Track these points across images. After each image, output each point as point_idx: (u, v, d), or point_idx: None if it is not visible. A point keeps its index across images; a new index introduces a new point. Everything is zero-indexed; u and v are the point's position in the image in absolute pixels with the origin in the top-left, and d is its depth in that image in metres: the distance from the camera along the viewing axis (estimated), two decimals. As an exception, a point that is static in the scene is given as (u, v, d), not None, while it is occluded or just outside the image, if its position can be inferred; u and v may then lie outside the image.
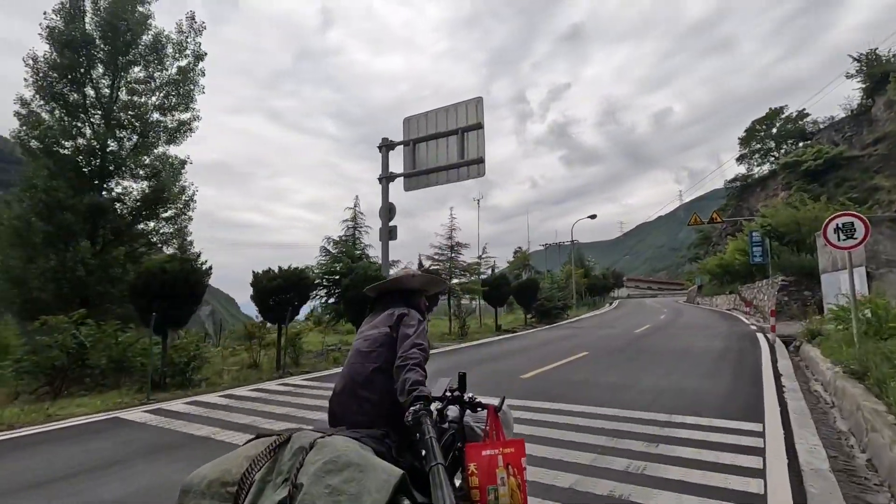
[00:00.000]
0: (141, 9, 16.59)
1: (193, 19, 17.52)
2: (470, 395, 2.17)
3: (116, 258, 14.30)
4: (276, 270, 11.81)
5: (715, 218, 28.10)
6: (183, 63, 17.25)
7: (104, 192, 14.70)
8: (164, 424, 6.23)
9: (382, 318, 2.09)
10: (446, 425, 2.12)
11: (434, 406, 2.04)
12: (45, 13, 14.54)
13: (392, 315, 2.06)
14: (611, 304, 49.16)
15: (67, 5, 14.85)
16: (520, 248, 59.40)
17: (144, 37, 16.31)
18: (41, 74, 14.76)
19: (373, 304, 2.29)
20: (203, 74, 17.99)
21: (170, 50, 16.94)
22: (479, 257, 24.80)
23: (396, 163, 16.97)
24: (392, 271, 18.47)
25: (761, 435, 4.97)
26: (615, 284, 63.67)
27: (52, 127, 14.78)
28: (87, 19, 15.36)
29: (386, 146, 16.75)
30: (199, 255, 9.85)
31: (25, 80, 14.76)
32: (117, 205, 14.93)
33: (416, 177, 16.30)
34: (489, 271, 24.52)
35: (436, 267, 21.82)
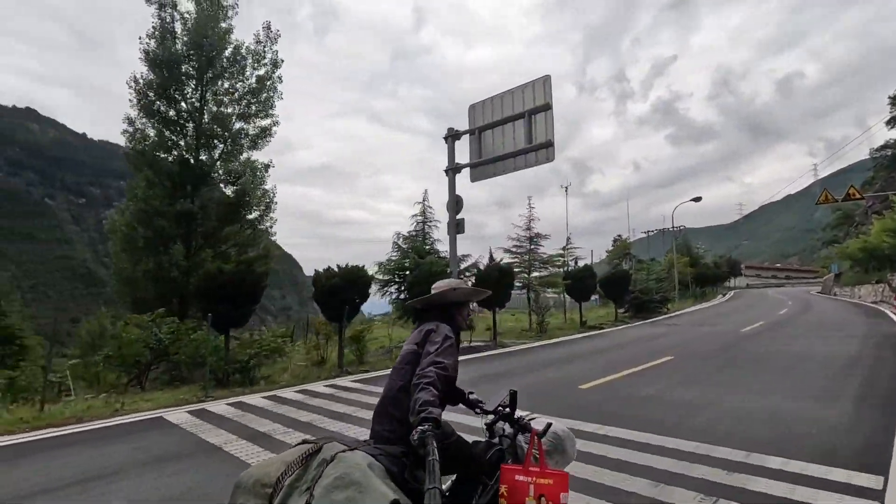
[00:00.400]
0: (223, 24, 17.71)
1: (269, 29, 18.37)
2: (521, 414, 2.18)
3: (205, 260, 15.43)
4: (336, 268, 11.83)
5: (853, 194, 23.35)
6: (261, 72, 18.17)
7: (194, 199, 15.92)
8: (192, 428, 6.28)
9: (414, 335, 2.15)
10: (497, 440, 2.19)
11: (486, 420, 2.27)
12: (140, 38, 16.06)
13: (421, 331, 2.12)
14: (724, 295, 43.98)
15: (159, 28, 16.23)
16: (619, 236, 55.74)
17: (226, 51, 17.36)
18: (141, 94, 16.34)
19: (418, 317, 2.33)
20: (280, 81, 18.80)
21: (249, 60, 17.92)
22: (564, 248, 23.34)
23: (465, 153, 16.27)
24: (463, 265, 17.92)
25: (879, 497, 3.58)
26: (730, 273, 57.06)
27: (153, 141, 16.34)
28: (176, 39, 16.70)
29: (451, 136, 16.11)
30: (254, 260, 10.23)
31: (130, 100, 16.46)
32: (205, 210, 16.07)
33: (482, 166, 15.49)
34: (573, 263, 22.93)
35: (513, 260, 20.84)
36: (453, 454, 2.02)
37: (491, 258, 16.50)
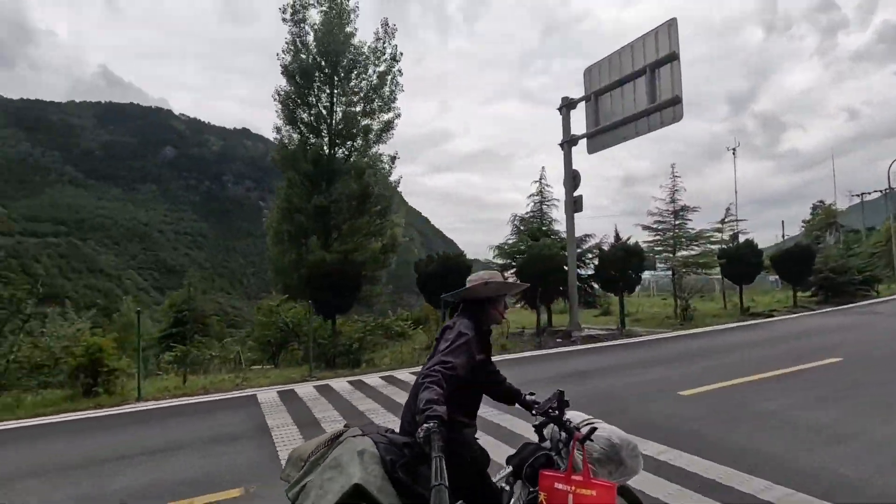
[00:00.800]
0: (348, 29, 18.91)
1: (387, 25, 19.09)
2: (569, 417, 2.12)
3: (336, 250, 16.90)
4: (436, 256, 11.84)
5: None
6: (382, 68, 19.01)
7: (328, 195, 17.50)
8: (268, 408, 6.83)
9: (441, 329, 2.18)
10: (547, 444, 2.14)
11: (535, 422, 2.26)
12: (277, 54, 18.06)
13: (444, 328, 2.16)
14: (985, 273, 32.64)
15: (291, 43, 18.04)
16: (821, 202, 45.72)
17: (350, 54, 18.52)
18: (284, 104, 18.43)
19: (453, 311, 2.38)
20: (401, 73, 19.46)
21: (371, 58, 18.88)
22: (722, 221, 19.80)
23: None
24: (585, 246, 16.37)
25: None
26: None
27: (294, 145, 18.36)
28: (309, 50, 18.36)
29: (566, 106, 14.80)
30: (354, 249, 10.80)
31: (276, 111, 18.72)
32: (337, 203, 17.55)
33: (600, 135, 13.91)
34: (734, 238, 19.31)
35: (654, 238, 18.44)
36: (462, 471, 1.92)
37: (617, 237, 14.72)
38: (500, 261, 16.37)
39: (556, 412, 2.10)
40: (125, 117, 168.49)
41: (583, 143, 14.35)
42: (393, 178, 19.19)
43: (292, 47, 18.09)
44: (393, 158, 19.84)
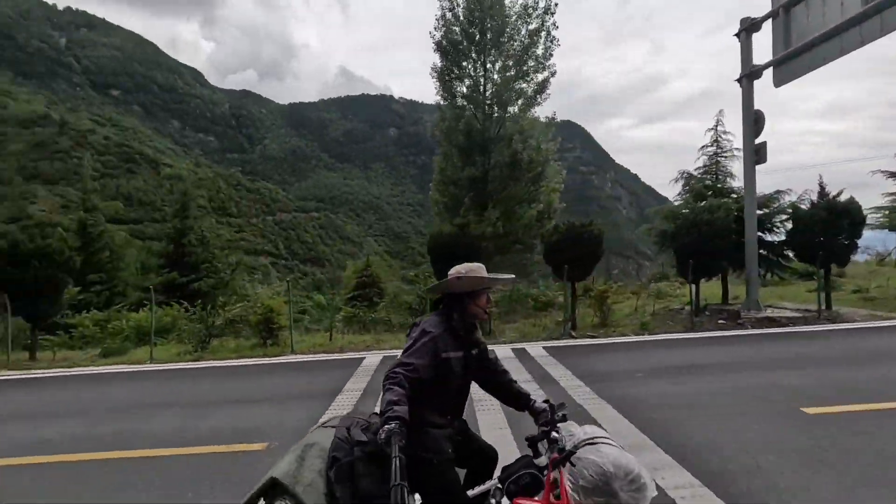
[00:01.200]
0: (497, -7, 18.30)
1: (537, -23, 17.83)
2: (572, 432, 1.89)
3: (489, 218, 17.12)
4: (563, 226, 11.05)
5: None
6: (533, 25, 18.00)
7: (482, 165, 17.76)
8: (361, 371, 7.64)
9: (409, 327, 2.24)
10: (543, 459, 1.91)
11: (528, 435, 2.06)
12: (430, 33, 18.68)
13: (412, 325, 2.21)
14: None
15: (440, 18, 18.42)
16: None
17: (497, 18, 17.98)
18: (441, 80, 19.12)
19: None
20: (556, 27, 18.16)
21: (522, 17, 18.04)
22: None
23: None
24: (783, 202, 12.76)
25: None
26: None
27: (450, 118, 18.95)
28: (459, 22, 18.50)
29: (745, 29, 11.80)
30: (471, 223, 10.66)
31: (435, 89, 19.57)
32: (490, 173, 17.69)
33: (790, 61, 10.67)
34: None
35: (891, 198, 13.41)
36: (422, 472, 1.93)
37: (822, 191, 11.05)
38: (665, 226, 14.23)
39: (547, 426, 1.92)
40: (359, 107, 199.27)
41: (767, 74, 11.23)
42: (546, 143, 18.21)
43: (443, 22, 18.51)
44: (551, 120, 18.90)
